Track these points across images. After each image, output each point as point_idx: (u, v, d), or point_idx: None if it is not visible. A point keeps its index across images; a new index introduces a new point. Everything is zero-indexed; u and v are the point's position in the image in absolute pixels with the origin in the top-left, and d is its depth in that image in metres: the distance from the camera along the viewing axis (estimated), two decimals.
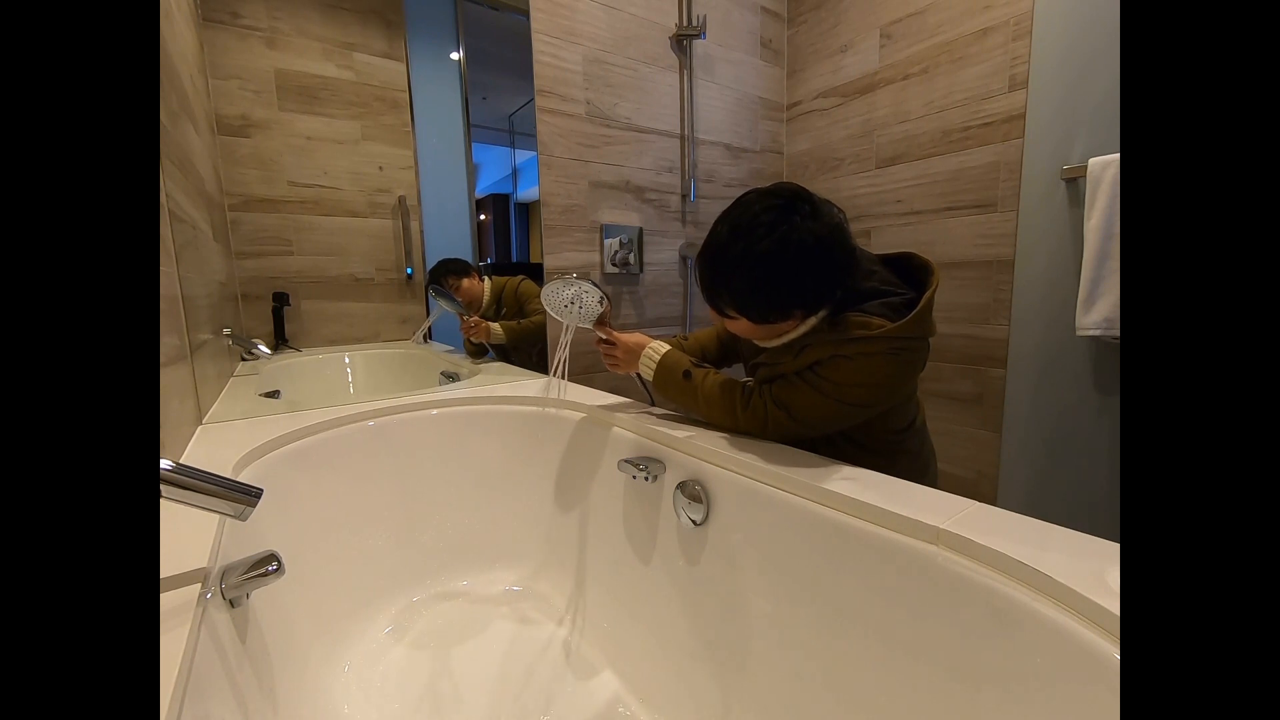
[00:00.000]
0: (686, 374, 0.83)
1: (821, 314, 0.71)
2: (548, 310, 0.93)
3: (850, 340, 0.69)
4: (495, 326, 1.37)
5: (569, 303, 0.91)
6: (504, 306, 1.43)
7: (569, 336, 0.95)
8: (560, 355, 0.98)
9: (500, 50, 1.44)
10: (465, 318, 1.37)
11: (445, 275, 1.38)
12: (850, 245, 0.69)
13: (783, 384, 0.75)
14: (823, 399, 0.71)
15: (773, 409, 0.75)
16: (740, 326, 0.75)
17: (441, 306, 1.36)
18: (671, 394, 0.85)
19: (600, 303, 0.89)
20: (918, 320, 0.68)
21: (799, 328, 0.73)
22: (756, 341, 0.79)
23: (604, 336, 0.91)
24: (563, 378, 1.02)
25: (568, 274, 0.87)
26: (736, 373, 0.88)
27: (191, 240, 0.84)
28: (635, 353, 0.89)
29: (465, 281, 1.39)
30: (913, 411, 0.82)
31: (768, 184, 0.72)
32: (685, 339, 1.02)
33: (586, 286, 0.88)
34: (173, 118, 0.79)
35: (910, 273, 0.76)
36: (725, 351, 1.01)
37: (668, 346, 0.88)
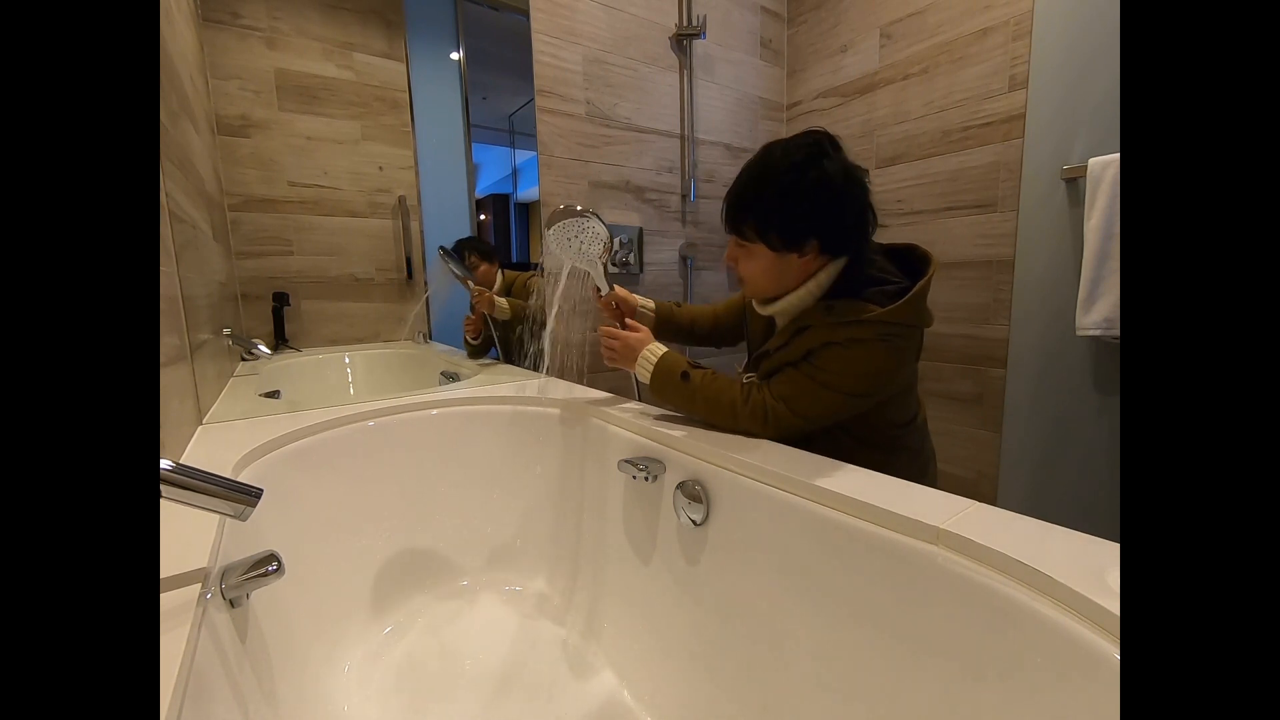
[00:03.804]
0: (684, 375, 0.83)
1: (830, 269, 0.74)
2: (548, 245, 0.94)
3: (843, 325, 0.71)
4: (501, 300, 1.41)
5: (572, 236, 0.92)
6: (513, 296, 1.47)
7: (564, 274, 0.96)
8: (555, 300, 0.99)
9: (500, 50, 1.44)
10: (471, 285, 1.40)
11: (470, 251, 1.42)
12: (869, 200, 0.73)
13: (781, 378, 0.77)
14: (821, 389, 0.73)
15: (772, 403, 0.75)
16: (755, 267, 0.77)
17: (449, 269, 1.38)
18: (668, 395, 0.85)
19: (605, 247, 0.90)
20: (909, 307, 0.69)
21: (806, 282, 0.75)
22: (760, 304, 0.82)
23: (608, 315, 0.93)
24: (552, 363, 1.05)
25: (572, 209, 0.88)
26: (725, 363, 0.88)
27: (191, 240, 0.84)
28: (634, 350, 0.88)
29: (485, 265, 1.44)
30: (913, 407, 0.82)
31: None
32: (679, 305, 1.07)
33: (594, 223, 0.89)
34: (173, 118, 0.79)
35: (911, 264, 0.77)
36: (716, 328, 1.06)
37: (665, 349, 0.88)
